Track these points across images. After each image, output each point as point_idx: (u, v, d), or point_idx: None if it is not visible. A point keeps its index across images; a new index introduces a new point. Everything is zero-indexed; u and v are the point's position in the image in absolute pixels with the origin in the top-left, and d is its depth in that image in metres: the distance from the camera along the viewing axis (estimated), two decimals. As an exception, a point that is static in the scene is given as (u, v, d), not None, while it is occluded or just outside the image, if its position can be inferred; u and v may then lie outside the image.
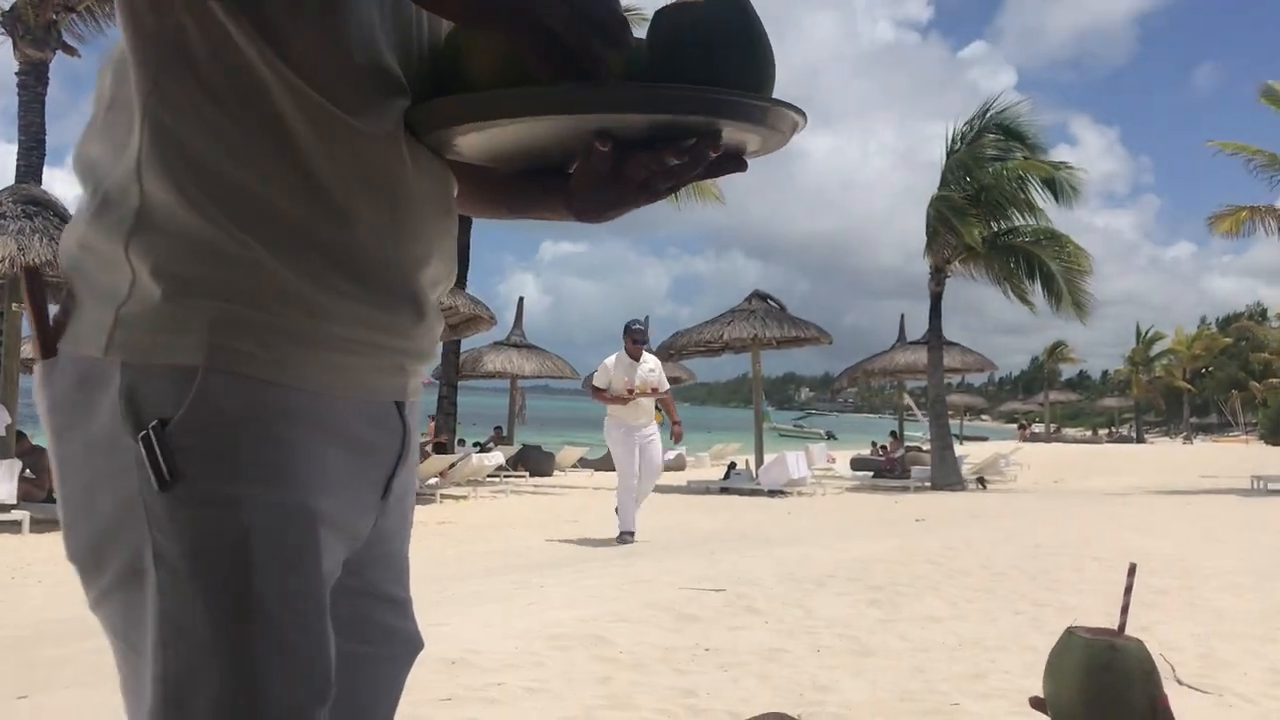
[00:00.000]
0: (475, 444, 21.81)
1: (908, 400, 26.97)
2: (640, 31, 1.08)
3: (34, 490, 11.33)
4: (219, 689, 0.91)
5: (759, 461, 18.36)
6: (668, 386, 10.16)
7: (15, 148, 15.23)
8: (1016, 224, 19.43)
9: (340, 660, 1.03)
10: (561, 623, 5.00)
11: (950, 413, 26.84)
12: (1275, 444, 48.66)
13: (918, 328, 22.26)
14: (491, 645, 4.48)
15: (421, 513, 13.32)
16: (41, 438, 1.13)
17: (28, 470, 11.32)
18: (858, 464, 22.61)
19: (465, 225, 19.22)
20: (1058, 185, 18.74)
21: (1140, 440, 64.95)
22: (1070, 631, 1.32)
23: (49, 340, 0.99)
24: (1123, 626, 1.31)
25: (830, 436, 54.68)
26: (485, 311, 17.30)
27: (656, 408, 10.24)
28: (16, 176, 14.67)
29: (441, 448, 17.65)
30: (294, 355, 0.98)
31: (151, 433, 0.92)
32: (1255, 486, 16.71)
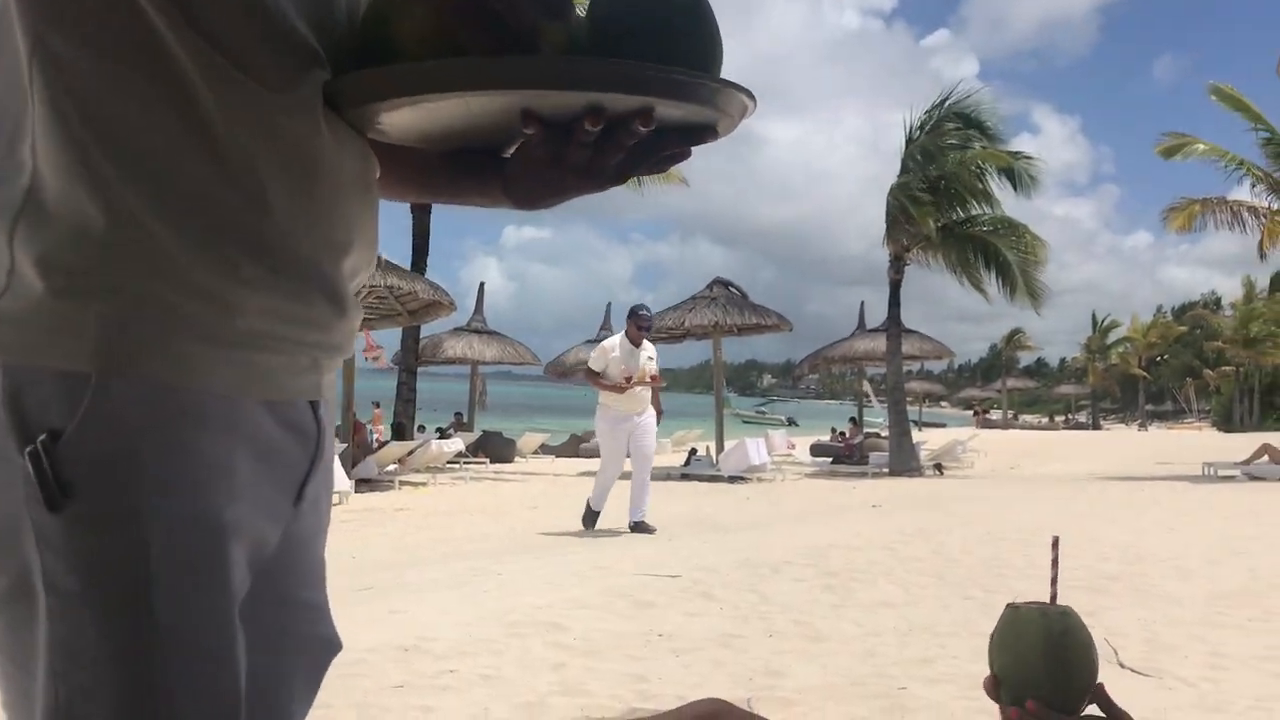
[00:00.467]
0: (436, 430, 21.73)
1: (866, 387, 27.17)
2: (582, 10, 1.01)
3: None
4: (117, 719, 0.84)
5: (720, 448, 18.44)
6: (656, 370, 9.70)
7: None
8: (975, 213, 19.60)
9: (256, 673, 0.97)
10: (517, 609, 5.01)
11: (909, 399, 27.08)
12: (1228, 431, 49.49)
13: (879, 315, 22.43)
14: (446, 632, 4.49)
15: (380, 499, 13.28)
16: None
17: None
18: (817, 450, 22.76)
19: (425, 208, 19.11)
20: (1016, 175, 18.91)
21: (1096, 427, 65.85)
22: (1013, 607, 1.40)
23: None
24: (1053, 597, 1.40)
25: (791, 423, 54.99)
26: (445, 297, 17.21)
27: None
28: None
29: (400, 433, 17.57)
30: (199, 355, 0.88)
31: (40, 448, 0.82)
32: (1206, 473, 16.97)
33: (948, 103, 19.14)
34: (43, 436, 0.82)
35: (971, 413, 63.47)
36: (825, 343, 25.32)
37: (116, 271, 0.85)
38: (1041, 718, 1.36)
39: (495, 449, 21.44)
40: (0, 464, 0.84)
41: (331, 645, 1.13)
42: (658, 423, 9.97)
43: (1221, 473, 16.78)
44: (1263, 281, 59.63)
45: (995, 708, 1.52)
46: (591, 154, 0.92)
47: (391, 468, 15.14)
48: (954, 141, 19.04)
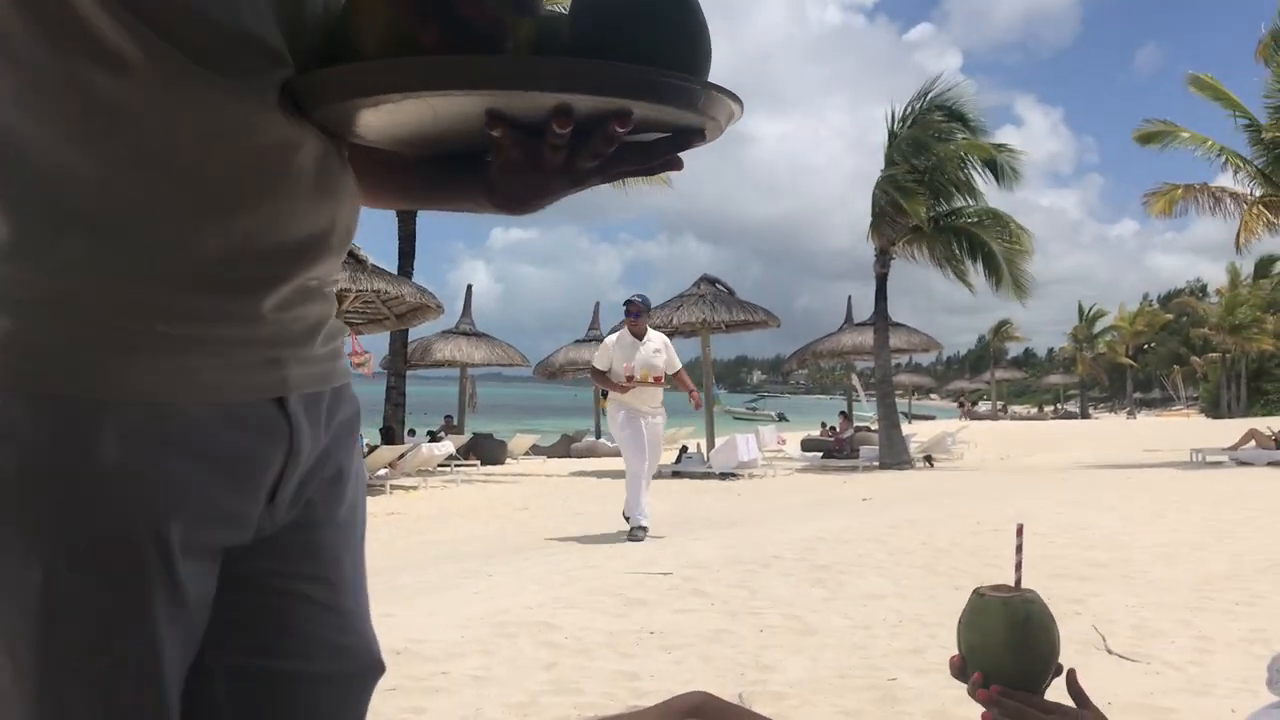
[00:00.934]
0: (427, 433, 21.71)
1: (855, 381, 27.23)
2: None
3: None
4: None
5: (710, 444, 18.46)
6: (678, 366, 8.99)
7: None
8: (959, 205, 19.66)
9: (259, 681, 0.96)
10: (508, 610, 5.02)
11: (898, 392, 27.15)
12: (1215, 417, 49.76)
13: (866, 309, 22.47)
14: (437, 634, 4.50)
15: (371, 504, 13.20)
16: None
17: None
18: (808, 445, 22.79)
19: (410, 213, 19.08)
20: (999, 167, 18.98)
21: (1085, 416, 66.13)
22: (979, 593, 1.47)
23: None
24: (1018, 582, 1.48)
25: (781, 418, 55.02)
26: (432, 300, 17.20)
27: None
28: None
29: (390, 437, 17.56)
30: (113, 364, 0.83)
31: None
32: (1194, 459, 17.07)
33: (930, 95, 19.19)
34: None
35: (957, 405, 63.65)
36: (814, 338, 25.37)
37: (20, 283, 0.81)
38: (1005, 698, 1.41)
39: (486, 451, 21.43)
40: None
41: (360, 655, 1.06)
42: (698, 405, 9.78)
43: (1209, 459, 16.87)
44: (1248, 268, 59.99)
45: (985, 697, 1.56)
46: (567, 156, 0.87)
47: (382, 472, 15.12)
48: (937, 133, 19.08)
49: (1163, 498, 10.84)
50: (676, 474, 17.44)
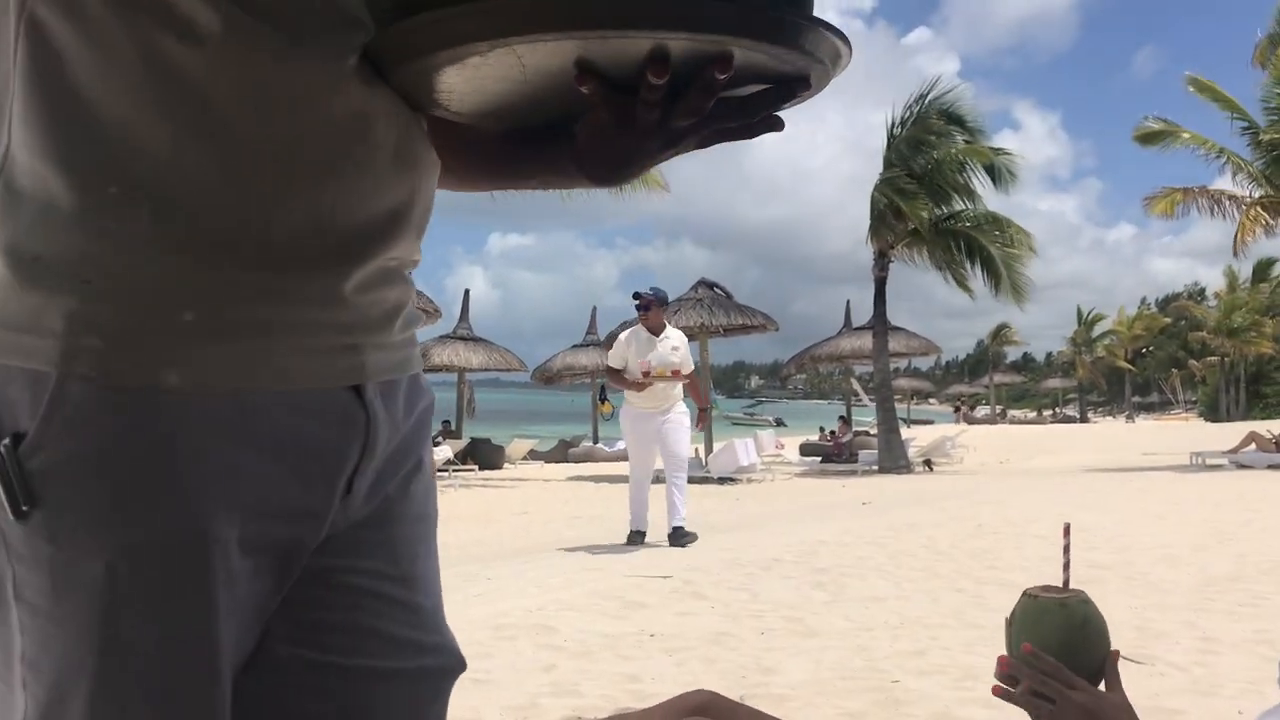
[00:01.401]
0: (424, 438, 21.66)
1: (854, 385, 27.23)
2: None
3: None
4: None
5: (709, 449, 18.43)
6: (692, 367, 8.44)
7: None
8: (958, 209, 19.67)
9: (333, 679, 0.93)
10: (508, 613, 4.99)
11: (897, 397, 27.15)
12: (1214, 420, 49.74)
13: (865, 313, 22.45)
14: (436, 637, 4.47)
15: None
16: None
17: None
18: (806, 449, 22.78)
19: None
20: (996, 170, 19.00)
21: (1084, 420, 66.06)
22: (1031, 595, 1.47)
23: None
24: (1066, 582, 1.49)
25: (779, 423, 55.06)
26: (429, 305, 17.22)
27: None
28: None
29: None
30: (183, 349, 0.79)
31: (4, 451, 0.77)
32: (1194, 462, 17.04)
33: (928, 98, 19.20)
34: (7, 440, 0.77)
35: (953, 409, 63.63)
36: (812, 342, 25.36)
37: (84, 260, 0.78)
38: (1038, 659, 1.41)
39: (484, 456, 21.41)
40: None
41: (438, 653, 1.02)
42: (701, 421, 8.69)
43: (1209, 462, 16.86)
44: (1245, 271, 60.03)
45: (987, 697, 1.54)
46: (662, 114, 0.81)
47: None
48: (936, 136, 19.10)
49: (1163, 500, 10.82)
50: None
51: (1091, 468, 17.81)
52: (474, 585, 5.97)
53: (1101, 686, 1.47)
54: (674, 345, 8.21)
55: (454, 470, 18.28)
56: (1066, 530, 1.58)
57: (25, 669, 0.79)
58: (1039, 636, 1.45)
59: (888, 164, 19.20)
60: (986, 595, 5.39)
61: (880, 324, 20.24)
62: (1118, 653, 1.50)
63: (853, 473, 18.57)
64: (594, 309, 27.80)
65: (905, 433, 21.84)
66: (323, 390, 0.87)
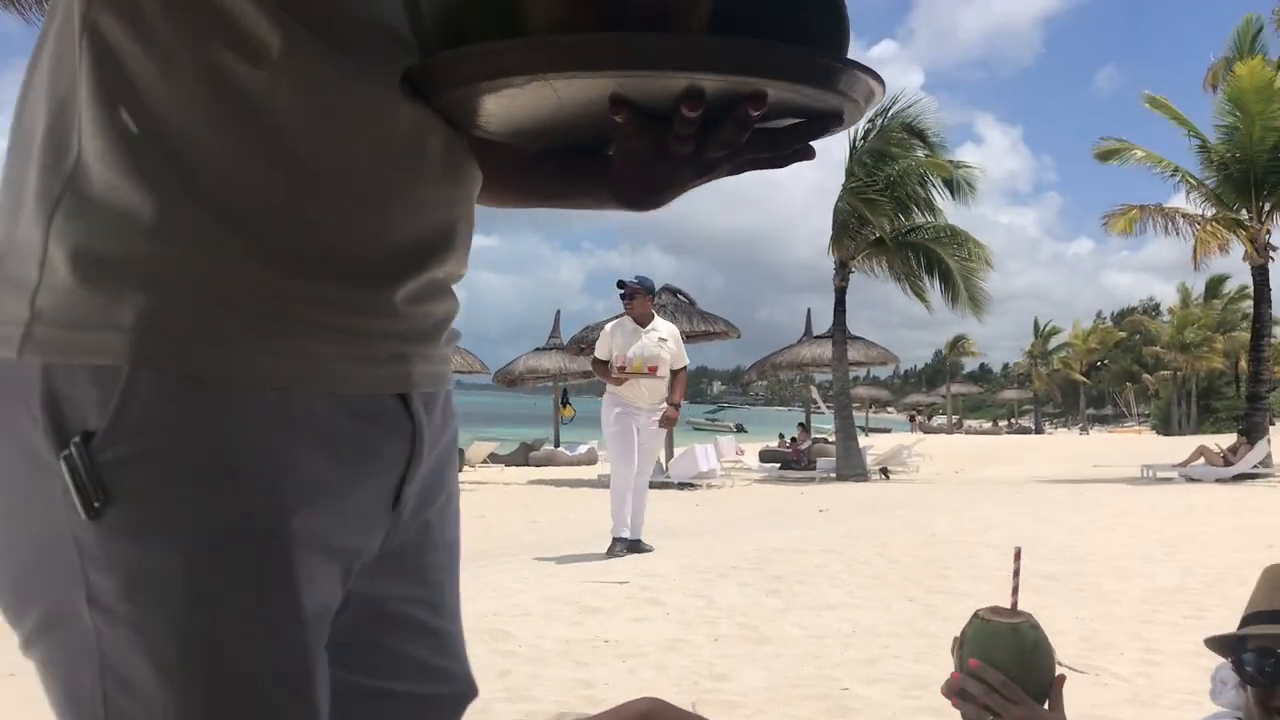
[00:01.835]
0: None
1: (813, 393, 27.38)
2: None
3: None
4: None
5: (669, 454, 18.47)
6: (685, 362, 8.01)
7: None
8: (919, 222, 19.86)
9: (352, 698, 0.92)
10: (463, 618, 4.99)
11: (856, 405, 27.34)
12: (1166, 434, 50.49)
13: (826, 322, 22.59)
14: (391, 641, 4.47)
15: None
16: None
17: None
18: (766, 456, 22.88)
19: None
20: (955, 184, 19.22)
21: (1039, 431, 66.84)
22: (982, 618, 1.53)
23: None
24: (1015, 605, 1.54)
25: (740, 430, 55.21)
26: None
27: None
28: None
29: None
30: (246, 344, 0.80)
31: (74, 450, 0.76)
32: (1145, 475, 17.28)
33: (891, 111, 19.37)
34: (77, 438, 0.76)
35: (908, 418, 64.13)
36: (773, 350, 25.47)
37: (153, 260, 0.78)
38: (986, 673, 1.47)
39: (443, 458, 21.29)
40: (39, 475, 0.77)
41: (457, 683, 1.03)
42: (667, 422, 7.86)
43: (1159, 475, 17.10)
44: (1199, 288, 61.06)
45: (935, 705, 1.60)
46: (696, 145, 0.82)
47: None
48: (898, 149, 19.28)
49: (1114, 512, 10.99)
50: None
51: (1045, 478, 18.03)
52: (430, 589, 5.96)
53: (1045, 706, 1.53)
54: (661, 337, 7.80)
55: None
56: (1017, 555, 1.63)
57: (108, 679, 0.77)
58: (990, 658, 1.51)
59: (850, 175, 19.36)
60: (938, 605, 5.47)
61: (840, 333, 20.37)
62: (1063, 677, 1.55)
63: (811, 480, 18.68)
64: (558, 312, 27.73)
65: (863, 441, 21.99)
66: (373, 397, 0.89)
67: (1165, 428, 57.79)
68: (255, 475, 0.79)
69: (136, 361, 0.77)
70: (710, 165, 0.86)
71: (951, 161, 19.70)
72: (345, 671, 0.92)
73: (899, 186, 18.92)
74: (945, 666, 1.59)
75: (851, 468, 18.79)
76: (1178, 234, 19.52)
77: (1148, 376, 69.97)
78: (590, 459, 24.25)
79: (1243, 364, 33.48)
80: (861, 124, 19.82)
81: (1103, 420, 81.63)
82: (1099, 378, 78.85)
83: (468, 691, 1.04)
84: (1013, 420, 79.64)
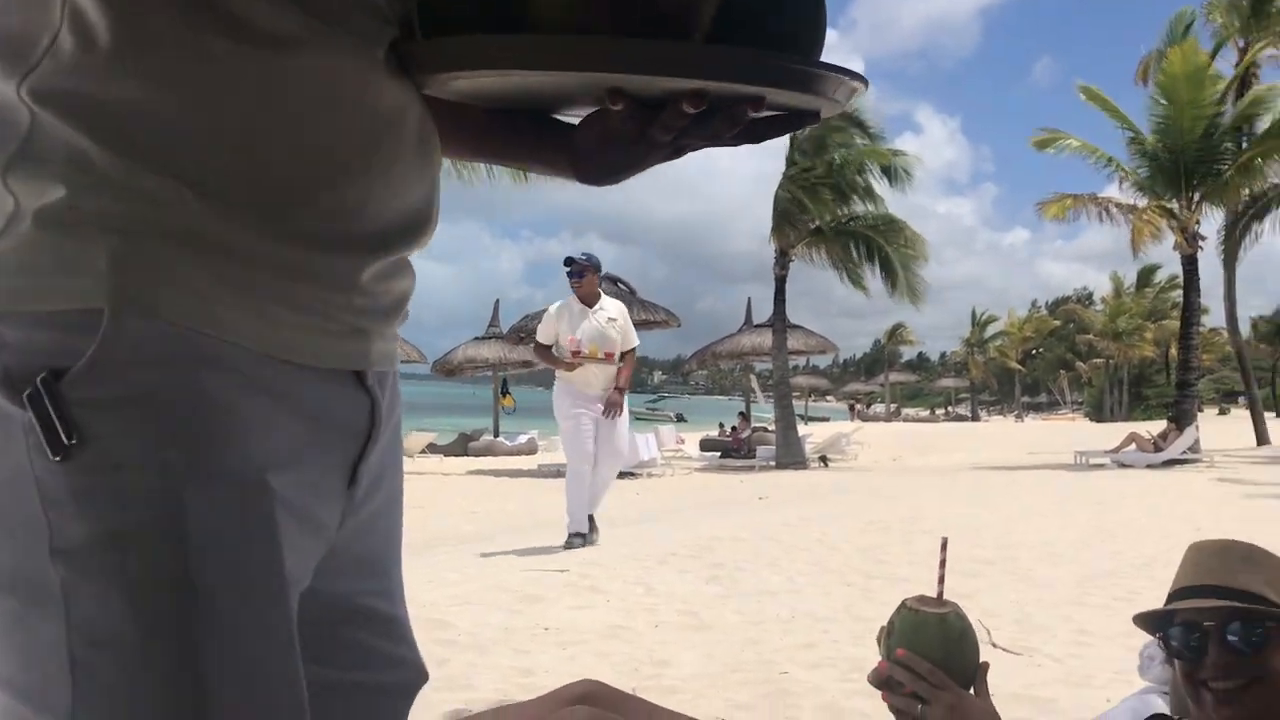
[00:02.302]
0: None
1: (752, 382, 27.55)
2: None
3: None
4: None
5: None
6: (635, 343, 7.49)
7: None
8: (858, 211, 20.06)
9: (325, 691, 0.88)
10: (401, 607, 4.94)
11: (795, 394, 27.56)
12: (1099, 421, 51.61)
13: (766, 311, 22.74)
14: (327, 632, 4.41)
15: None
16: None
17: None
18: (706, 445, 23.00)
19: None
20: (893, 171, 19.44)
21: (975, 419, 67.97)
22: (910, 608, 1.56)
23: None
24: (940, 595, 1.58)
25: (680, 419, 55.39)
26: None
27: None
28: None
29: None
30: (224, 300, 0.77)
31: (40, 386, 0.70)
32: (1078, 461, 17.64)
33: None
34: (42, 375, 0.71)
35: (848, 407, 64.89)
36: (714, 339, 25.58)
37: (127, 211, 0.75)
38: (912, 662, 1.50)
39: (382, 449, 21.12)
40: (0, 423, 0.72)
41: (409, 670, 1.01)
42: (610, 408, 7.26)
43: (1092, 461, 17.46)
44: (1131, 277, 62.38)
45: (873, 689, 1.62)
46: (680, 133, 0.85)
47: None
48: (838, 138, 19.44)
49: (1048, 498, 11.19)
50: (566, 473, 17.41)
51: (981, 465, 18.32)
52: (367, 579, 5.90)
53: (972, 692, 1.55)
54: (610, 317, 7.31)
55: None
56: (944, 545, 1.67)
57: (78, 641, 0.70)
58: (918, 648, 1.53)
59: (790, 163, 19.48)
60: (875, 590, 5.52)
61: (780, 322, 20.53)
62: (988, 664, 1.58)
63: (751, 468, 18.79)
64: (496, 301, 27.61)
65: (802, 429, 22.19)
66: (335, 371, 0.87)
67: (1098, 415, 59.10)
68: (240, 428, 0.77)
69: (117, 303, 0.73)
70: (682, 150, 0.90)
71: (890, 150, 19.91)
72: (317, 665, 0.87)
73: (838, 175, 19.09)
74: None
75: (791, 456, 18.95)
76: (1111, 223, 19.93)
77: (1081, 364, 71.47)
78: (530, 449, 24.21)
79: (1173, 352, 34.28)
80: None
81: (1037, 408, 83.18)
82: (1034, 366, 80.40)
83: (419, 677, 1.03)
84: (950, 408, 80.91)
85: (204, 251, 0.77)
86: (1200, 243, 19.34)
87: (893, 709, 1.59)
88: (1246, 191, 19.04)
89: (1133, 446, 17.52)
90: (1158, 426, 19.00)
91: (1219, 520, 8.67)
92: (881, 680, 1.59)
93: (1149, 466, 16.31)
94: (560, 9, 0.82)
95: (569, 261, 7.38)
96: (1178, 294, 20.90)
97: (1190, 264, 19.39)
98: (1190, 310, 19.66)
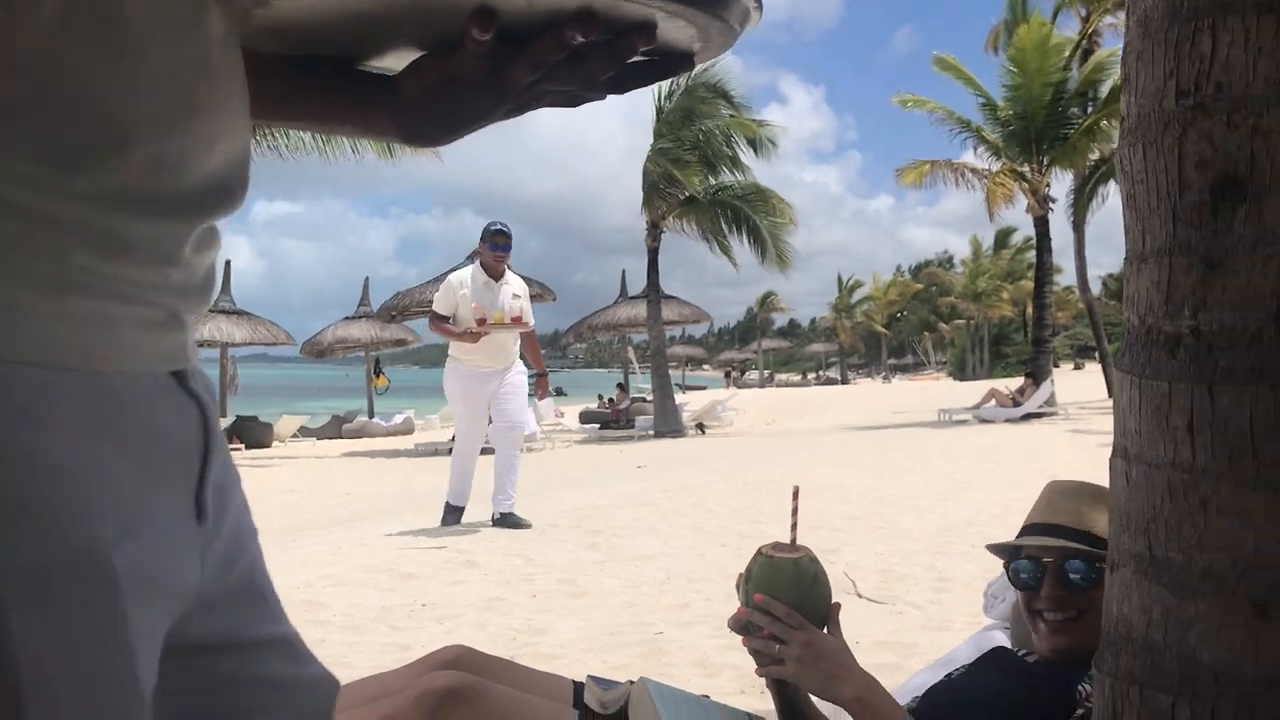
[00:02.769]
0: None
1: (630, 353, 27.70)
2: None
3: None
4: None
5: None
6: (533, 322, 7.13)
7: None
8: (726, 181, 20.28)
9: None
10: (274, 591, 4.87)
11: (672, 364, 27.82)
12: (961, 379, 53.40)
13: (641, 283, 22.83)
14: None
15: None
16: None
17: None
18: (585, 417, 23.05)
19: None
20: (759, 142, 19.71)
21: (845, 382, 69.57)
22: (766, 554, 1.65)
23: None
24: (794, 541, 1.68)
25: (559, 392, 55.25)
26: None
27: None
28: None
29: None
30: (18, 299, 0.58)
31: None
32: (941, 418, 18.29)
33: (696, 72, 19.65)
34: None
35: (724, 375, 65.82)
36: (590, 312, 25.60)
37: None
38: (770, 606, 1.59)
39: (250, 434, 20.62)
40: None
41: (320, 686, 0.87)
42: (541, 389, 7.42)
43: (955, 418, 18.12)
44: (989, 240, 64.58)
45: (742, 640, 1.70)
46: (543, 76, 0.72)
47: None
48: (704, 109, 19.60)
49: (912, 454, 11.59)
50: (452, 450, 17.31)
51: (851, 426, 18.81)
52: (239, 565, 5.79)
53: (825, 631, 1.65)
54: (515, 293, 6.93)
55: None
56: (795, 494, 1.79)
57: None
58: (775, 591, 1.63)
59: (658, 135, 19.57)
60: (749, 549, 5.58)
61: (654, 293, 20.65)
62: (839, 605, 1.68)
63: (630, 438, 18.94)
64: (366, 279, 27.05)
65: (680, 398, 22.42)
66: (156, 375, 0.69)
67: (961, 374, 61.14)
68: (67, 495, 0.58)
69: None
70: (532, 103, 0.77)
71: (755, 120, 20.16)
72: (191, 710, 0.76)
73: (705, 146, 19.26)
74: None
75: (669, 425, 19.15)
76: (967, 187, 20.57)
77: (944, 326, 73.79)
78: (407, 428, 23.92)
79: (1029, 311, 35.62)
80: (667, 84, 20.10)
81: (904, 369, 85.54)
82: (899, 328, 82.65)
83: (333, 689, 0.90)
84: (820, 372, 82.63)
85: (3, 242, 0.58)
86: (1051, 205, 20.11)
87: (752, 652, 1.67)
88: (1095, 155, 19.86)
89: (992, 402, 18.23)
90: (1016, 383, 19.77)
91: (1072, 468, 9.11)
92: (741, 625, 1.67)
93: (1008, 421, 17.00)
94: None
95: (500, 234, 6.87)
96: (1033, 255, 21.68)
97: (1042, 225, 20.16)
98: (1043, 270, 20.45)
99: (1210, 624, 1.05)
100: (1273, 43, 1.03)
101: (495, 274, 6.85)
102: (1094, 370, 36.64)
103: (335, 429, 24.87)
